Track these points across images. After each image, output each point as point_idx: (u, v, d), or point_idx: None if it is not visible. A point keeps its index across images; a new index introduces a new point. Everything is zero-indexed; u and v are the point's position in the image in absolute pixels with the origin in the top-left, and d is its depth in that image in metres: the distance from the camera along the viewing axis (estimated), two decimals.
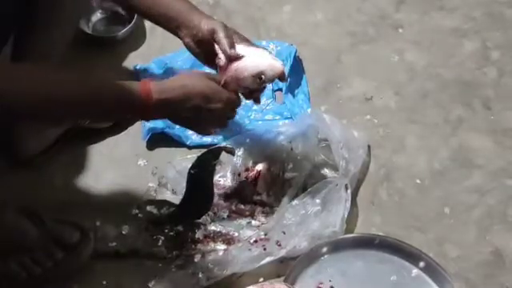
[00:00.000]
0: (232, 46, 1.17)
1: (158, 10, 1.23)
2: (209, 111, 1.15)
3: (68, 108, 1.04)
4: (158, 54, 1.62)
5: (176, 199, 1.37)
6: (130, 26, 1.65)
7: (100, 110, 1.08)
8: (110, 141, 1.50)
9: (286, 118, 1.52)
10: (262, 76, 1.17)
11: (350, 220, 1.33)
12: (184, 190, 1.37)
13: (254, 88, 1.20)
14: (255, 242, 1.28)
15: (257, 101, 1.27)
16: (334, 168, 1.39)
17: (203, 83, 1.15)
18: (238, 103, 1.20)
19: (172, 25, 1.23)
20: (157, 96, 1.09)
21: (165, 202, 1.38)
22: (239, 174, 1.41)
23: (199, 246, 1.31)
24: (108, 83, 1.08)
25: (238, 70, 1.17)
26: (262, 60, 1.18)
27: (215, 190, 1.38)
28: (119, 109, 1.09)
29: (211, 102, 1.14)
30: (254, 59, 1.17)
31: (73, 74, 1.07)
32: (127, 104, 1.08)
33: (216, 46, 1.19)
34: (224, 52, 1.17)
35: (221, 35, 1.18)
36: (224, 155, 1.43)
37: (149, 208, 1.37)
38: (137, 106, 1.08)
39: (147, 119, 1.18)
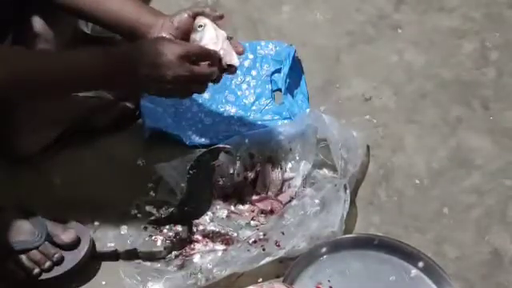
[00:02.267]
0: None
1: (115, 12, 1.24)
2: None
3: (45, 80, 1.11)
4: None
5: (175, 199, 1.37)
6: None
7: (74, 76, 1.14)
8: (109, 140, 1.50)
9: (285, 119, 1.51)
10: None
11: (349, 220, 1.33)
12: (183, 190, 1.37)
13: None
14: (254, 242, 1.27)
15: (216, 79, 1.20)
16: (333, 168, 1.39)
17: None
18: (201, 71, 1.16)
19: (140, 22, 1.22)
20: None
21: (164, 202, 1.38)
22: (238, 175, 1.41)
23: (198, 246, 1.31)
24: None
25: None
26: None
27: (214, 191, 1.39)
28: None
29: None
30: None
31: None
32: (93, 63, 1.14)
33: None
34: None
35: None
36: (223, 155, 1.43)
37: (148, 208, 1.37)
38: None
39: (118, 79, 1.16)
